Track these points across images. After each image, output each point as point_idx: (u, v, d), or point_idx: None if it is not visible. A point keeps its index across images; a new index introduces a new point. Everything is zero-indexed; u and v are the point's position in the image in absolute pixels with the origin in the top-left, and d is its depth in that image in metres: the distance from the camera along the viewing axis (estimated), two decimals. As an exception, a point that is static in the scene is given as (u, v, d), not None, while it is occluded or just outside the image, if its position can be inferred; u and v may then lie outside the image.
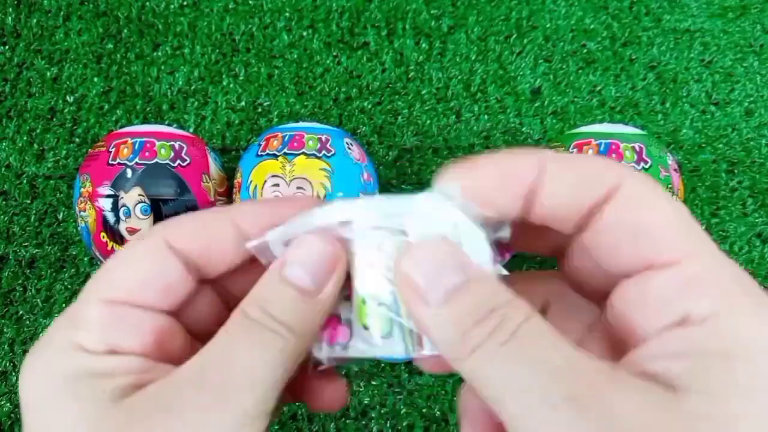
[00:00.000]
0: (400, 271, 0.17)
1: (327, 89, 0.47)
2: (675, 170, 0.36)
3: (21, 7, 0.49)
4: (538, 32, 0.49)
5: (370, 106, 0.47)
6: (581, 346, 0.15)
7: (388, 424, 0.39)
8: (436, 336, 0.17)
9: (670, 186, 0.35)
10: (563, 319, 0.20)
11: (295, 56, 0.48)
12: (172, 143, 0.36)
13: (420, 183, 0.45)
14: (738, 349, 0.14)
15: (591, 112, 0.47)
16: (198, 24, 0.48)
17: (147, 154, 0.35)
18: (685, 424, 0.14)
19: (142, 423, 0.16)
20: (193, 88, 0.47)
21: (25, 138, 0.45)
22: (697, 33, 0.50)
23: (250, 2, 0.49)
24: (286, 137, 0.36)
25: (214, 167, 0.38)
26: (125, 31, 0.48)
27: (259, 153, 0.37)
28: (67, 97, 0.46)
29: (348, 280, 0.19)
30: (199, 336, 0.20)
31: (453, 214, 0.17)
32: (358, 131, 0.46)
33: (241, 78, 0.47)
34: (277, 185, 0.35)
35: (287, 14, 0.49)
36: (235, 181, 0.38)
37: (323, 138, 0.37)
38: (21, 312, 0.41)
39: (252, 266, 0.19)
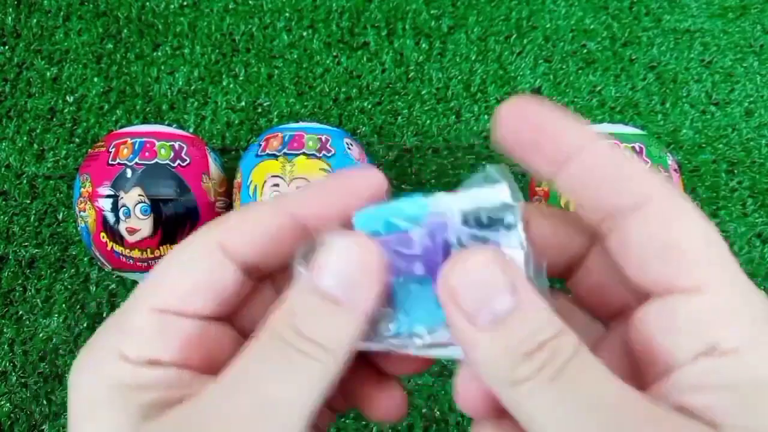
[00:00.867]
0: (448, 284, 0.16)
1: (327, 89, 0.47)
2: (675, 170, 0.36)
3: (21, 7, 0.49)
4: (538, 32, 0.49)
5: (370, 106, 0.47)
6: None
7: (388, 424, 0.39)
8: (479, 359, 0.16)
9: (670, 186, 0.35)
10: None
11: (295, 56, 0.48)
12: (172, 143, 0.36)
13: (420, 183, 0.45)
14: None
15: (591, 112, 0.47)
16: (198, 24, 0.48)
17: (147, 154, 0.35)
18: None
19: None
20: (193, 88, 0.47)
21: (25, 138, 0.45)
22: (697, 33, 0.50)
23: (250, 2, 0.49)
24: (286, 137, 0.36)
25: (214, 167, 0.38)
26: (125, 31, 0.48)
27: (259, 153, 0.37)
28: (67, 97, 0.46)
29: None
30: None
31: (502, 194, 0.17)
32: (358, 131, 0.46)
33: (241, 78, 0.47)
34: (277, 185, 0.35)
35: (287, 14, 0.49)
36: (235, 181, 0.38)
37: (323, 138, 0.37)
38: (21, 312, 0.41)
39: None
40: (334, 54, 0.48)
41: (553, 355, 0.15)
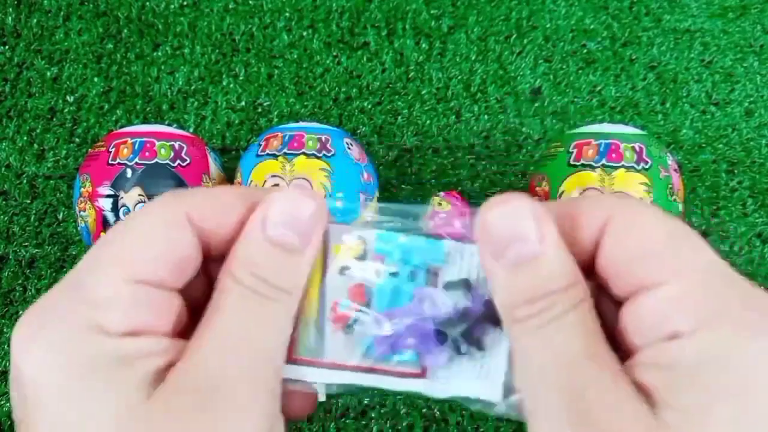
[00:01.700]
0: (486, 219, 0.17)
1: (327, 89, 0.47)
2: (675, 170, 0.36)
3: (21, 7, 0.49)
4: (538, 32, 0.49)
5: (370, 106, 0.47)
6: None
7: (388, 424, 0.39)
8: (494, 287, 0.17)
9: (670, 186, 0.35)
10: None
11: (295, 56, 0.48)
12: (172, 143, 0.36)
13: (420, 183, 0.45)
14: (714, 363, 0.15)
15: (591, 112, 0.47)
16: (198, 24, 0.48)
17: (147, 154, 0.35)
18: None
19: (182, 424, 0.15)
20: (193, 88, 0.47)
21: (25, 138, 0.45)
22: (697, 33, 0.50)
23: (250, 2, 0.49)
24: (286, 137, 0.36)
25: (214, 167, 0.38)
26: (125, 31, 0.48)
27: (259, 153, 0.37)
28: (67, 97, 0.46)
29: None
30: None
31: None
32: (358, 131, 0.46)
33: (241, 78, 0.47)
34: (277, 185, 0.35)
35: (287, 14, 0.49)
36: (235, 181, 0.38)
37: (323, 138, 0.37)
38: (21, 312, 0.41)
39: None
40: (334, 54, 0.48)
41: (550, 306, 0.16)
